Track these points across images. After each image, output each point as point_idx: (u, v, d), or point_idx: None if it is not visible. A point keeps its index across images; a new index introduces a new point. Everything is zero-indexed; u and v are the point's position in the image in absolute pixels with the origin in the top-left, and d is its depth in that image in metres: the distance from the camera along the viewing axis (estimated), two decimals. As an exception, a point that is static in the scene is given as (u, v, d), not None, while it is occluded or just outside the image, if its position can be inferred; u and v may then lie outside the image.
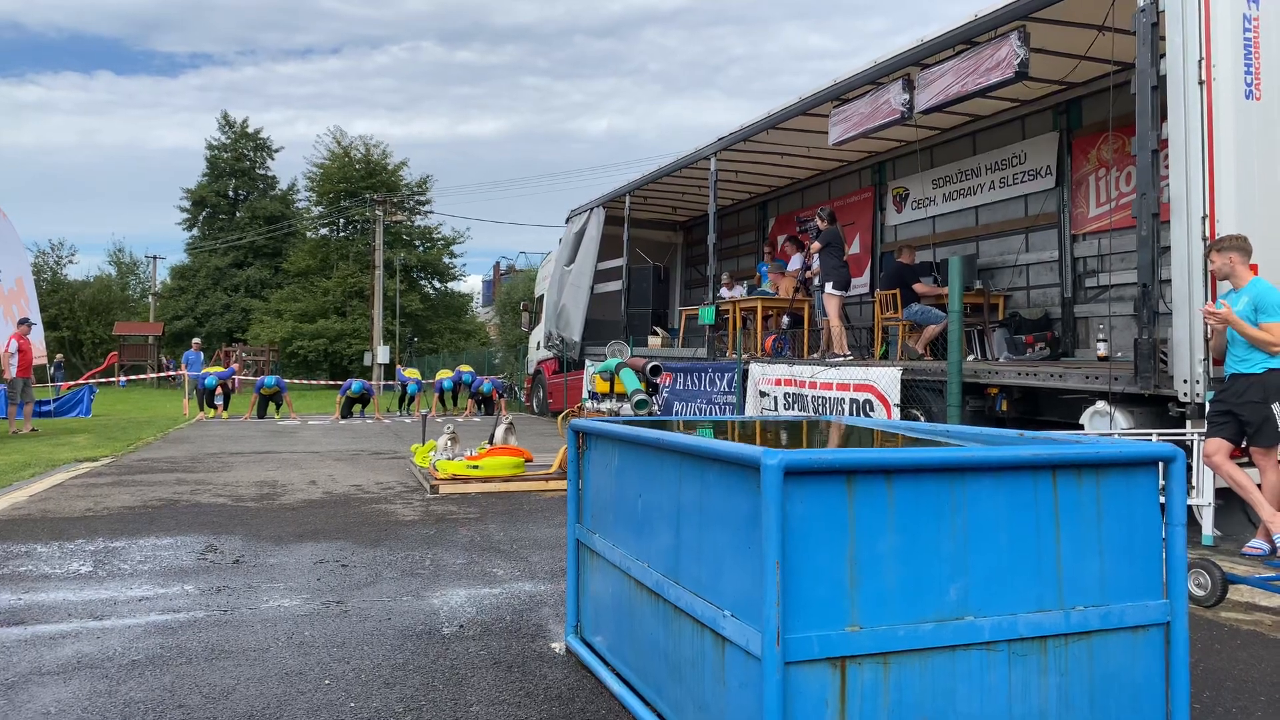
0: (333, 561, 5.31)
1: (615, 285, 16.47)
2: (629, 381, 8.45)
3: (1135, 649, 2.41)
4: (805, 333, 12.04)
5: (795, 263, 12.72)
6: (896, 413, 8.82)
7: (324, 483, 8.69)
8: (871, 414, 9.16)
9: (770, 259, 14.33)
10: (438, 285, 42.32)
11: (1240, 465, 5.93)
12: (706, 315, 12.43)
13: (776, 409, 10.50)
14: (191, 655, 3.61)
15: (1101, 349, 9.54)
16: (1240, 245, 5.74)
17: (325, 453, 11.54)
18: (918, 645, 2.19)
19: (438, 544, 5.81)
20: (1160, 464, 2.46)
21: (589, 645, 3.59)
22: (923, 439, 3.13)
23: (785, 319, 12.29)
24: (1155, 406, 6.91)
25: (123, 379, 31.20)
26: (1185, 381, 6.47)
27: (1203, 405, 6.35)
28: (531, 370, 20.88)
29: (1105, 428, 7.23)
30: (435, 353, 38.30)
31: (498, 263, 59.42)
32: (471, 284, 54.69)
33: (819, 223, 10.38)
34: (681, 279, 18.52)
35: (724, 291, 13.42)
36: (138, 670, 3.43)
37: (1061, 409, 7.82)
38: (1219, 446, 5.86)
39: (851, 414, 9.31)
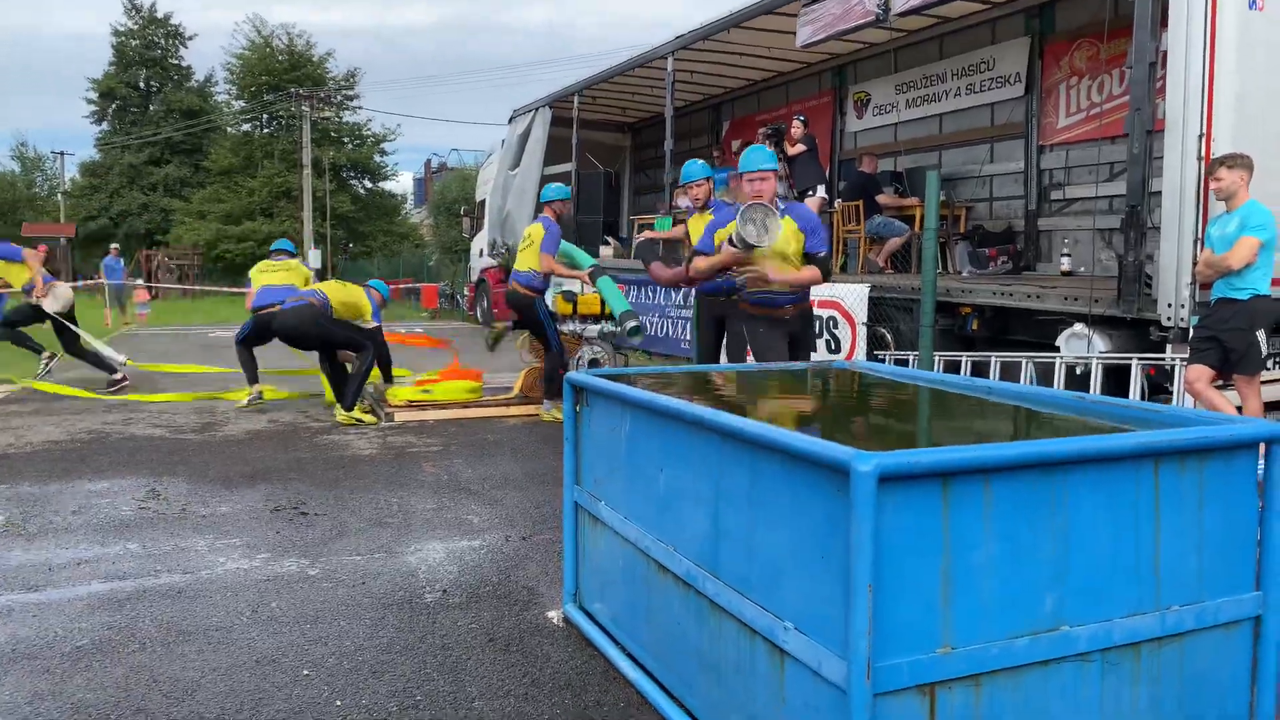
0: (290, 509, 4.92)
1: (563, 191, 15.79)
2: (614, 299, 7.67)
3: (1226, 647, 2.21)
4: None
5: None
6: (863, 331, 8.60)
7: (267, 407, 8.19)
8: (836, 331, 8.93)
9: (720, 163, 13.83)
10: (369, 185, 40.65)
11: (1219, 388, 5.87)
12: (663, 226, 11.97)
13: (736, 324, 10.21)
14: (145, 638, 3.22)
15: (1065, 264, 9.43)
16: (1250, 165, 5.52)
17: (262, 372, 10.93)
18: (1011, 663, 1.94)
19: (402, 484, 5.44)
20: (1262, 445, 2.20)
21: (588, 613, 3.31)
22: (978, 398, 2.84)
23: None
24: (1135, 329, 6.78)
25: (79, 281, 28.93)
26: (1169, 305, 6.32)
27: (1185, 330, 6.24)
28: (474, 279, 20.23)
29: (1083, 350, 7.11)
30: (369, 256, 37.10)
31: (429, 160, 57.31)
32: (403, 183, 52.84)
33: (795, 128, 9.87)
34: (630, 185, 17.90)
35: (679, 200, 12.91)
36: (84, 661, 3.04)
37: (1035, 329, 7.67)
38: (1201, 373, 5.76)
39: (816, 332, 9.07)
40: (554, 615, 3.43)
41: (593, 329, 7.99)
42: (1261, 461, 2.21)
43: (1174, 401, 6.16)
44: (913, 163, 11.62)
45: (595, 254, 14.30)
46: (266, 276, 8.09)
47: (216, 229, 34.99)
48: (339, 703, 2.76)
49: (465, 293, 21.51)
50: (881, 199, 10.42)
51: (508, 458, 6.20)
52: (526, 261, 7.38)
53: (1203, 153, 6.01)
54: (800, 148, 9.80)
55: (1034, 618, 1.96)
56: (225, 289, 28.23)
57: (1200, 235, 6.06)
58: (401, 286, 28.78)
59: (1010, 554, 1.92)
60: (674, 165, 12.67)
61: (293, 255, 8.63)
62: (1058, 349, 7.16)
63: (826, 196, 9.80)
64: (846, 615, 1.80)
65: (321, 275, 31.39)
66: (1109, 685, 2.05)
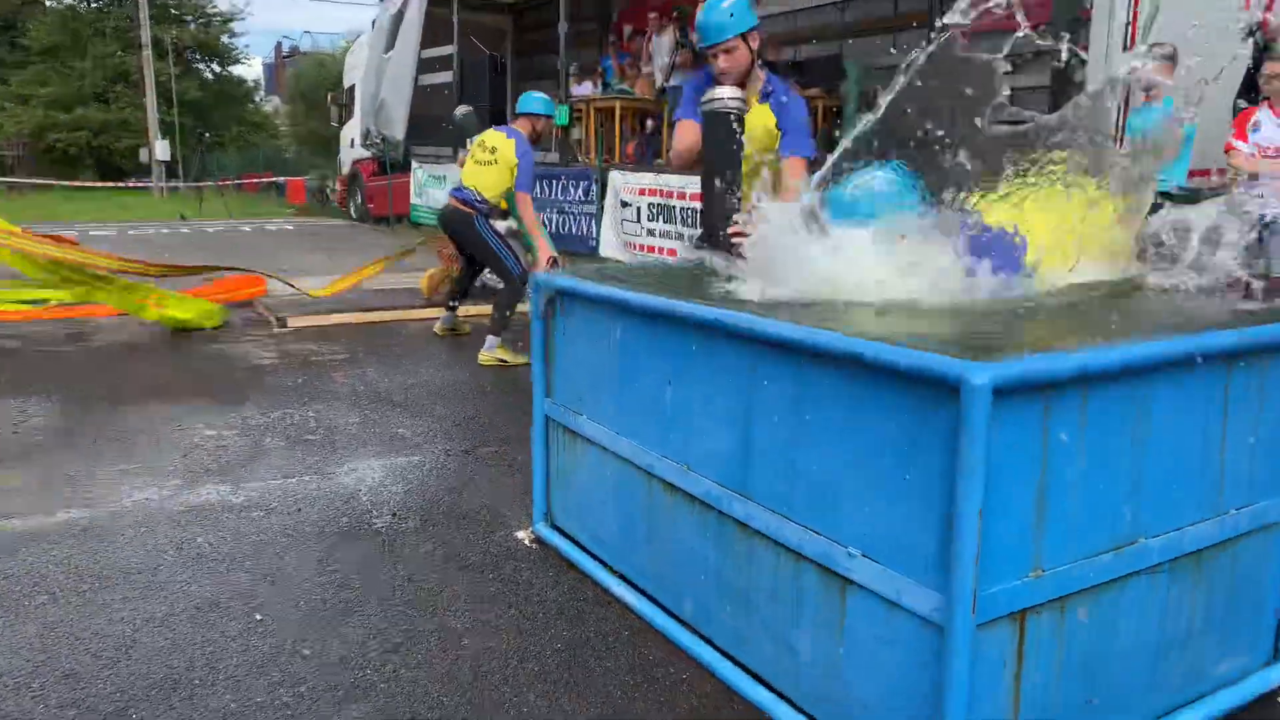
0: (194, 428, 4.42)
1: (445, 77, 14.84)
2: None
3: (1267, 548, 2.16)
4: (664, 138, 11.29)
5: (666, 51, 11.55)
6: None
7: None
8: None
9: (615, 52, 13.26)
10: (217, 69, 37.42)
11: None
12: (560, 116, 11.38)
13: (639, 220, 9.91)
14: (55, 587, 2.79)
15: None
16: (1174, 55, 5.51)
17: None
18: (1093, 582, 1.82)
19: (316, 397, 5.00)
20: (1315, 342, 2.11)
21: (561, 531, 3.07)
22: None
23: (649, 122, 11.46)
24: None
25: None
26: (1086, 198, 6.39)
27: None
28: (346, 171, 19.01)
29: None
30: (222, 147, 34.44)
31: (279, 43, 53.22)
32: (254, 69, 49.05)
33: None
34: (514, 71, 16.96)
35: (574, 88, 12.30)
36: (-14, 619, 2.61)
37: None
38: (1115, 265, 5.87)
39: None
40: (523, 536, 3.18)
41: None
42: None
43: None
44: (813, 53, 11.35)
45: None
46: None
47: (43, 115, 31.55)
48: (306, 651, 2.44)
49: (336, 187, 20.21)
50: (785, 90, 10.15)
51: (424, 365, 5.80)
52: (481, 181, 5.85)
53: (1128, 41, 6.00)
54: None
55: (1115, 533, 1.83)
56: (60, 182, 25.74)
57: (1121, 125, 6.09)
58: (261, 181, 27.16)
59: (1098, 467, 1.77)
60: (568, 49, 12.03)
61: None
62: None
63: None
64: (946, 542, 1.62)
65: (172, 171, 29.01)
66: (1172, 595, 1.97)
